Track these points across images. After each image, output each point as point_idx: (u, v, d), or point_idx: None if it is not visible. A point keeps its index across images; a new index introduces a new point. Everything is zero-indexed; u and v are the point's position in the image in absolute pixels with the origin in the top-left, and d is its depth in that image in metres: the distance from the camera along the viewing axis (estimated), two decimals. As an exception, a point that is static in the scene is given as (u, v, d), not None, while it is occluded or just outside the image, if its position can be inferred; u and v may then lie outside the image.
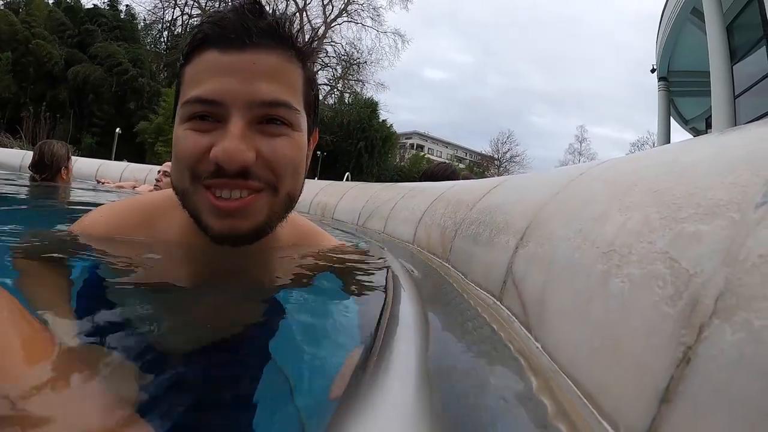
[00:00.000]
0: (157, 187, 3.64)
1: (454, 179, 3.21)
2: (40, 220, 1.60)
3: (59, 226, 0.99)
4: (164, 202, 0.87)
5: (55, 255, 0.81)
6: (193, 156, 0.71)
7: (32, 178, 3.00)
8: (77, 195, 2.93)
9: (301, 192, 0.81)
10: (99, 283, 0.72)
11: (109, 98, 19.03)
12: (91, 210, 0.90)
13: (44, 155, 2.94)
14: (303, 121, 0.78)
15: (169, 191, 0.82)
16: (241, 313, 0.71)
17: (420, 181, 3.33)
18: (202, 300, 0.73)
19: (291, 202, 0.79)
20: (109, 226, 0.87)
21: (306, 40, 0.78)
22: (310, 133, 0.82)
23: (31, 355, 0.39)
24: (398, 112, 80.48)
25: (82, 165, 6.05)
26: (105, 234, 0.86)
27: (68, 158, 3.04)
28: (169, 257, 0.84)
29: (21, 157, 5.67)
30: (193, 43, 0.74)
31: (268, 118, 0.72)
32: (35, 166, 2.96)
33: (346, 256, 1.03)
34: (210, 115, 0.71)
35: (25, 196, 2.67)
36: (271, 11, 0.75)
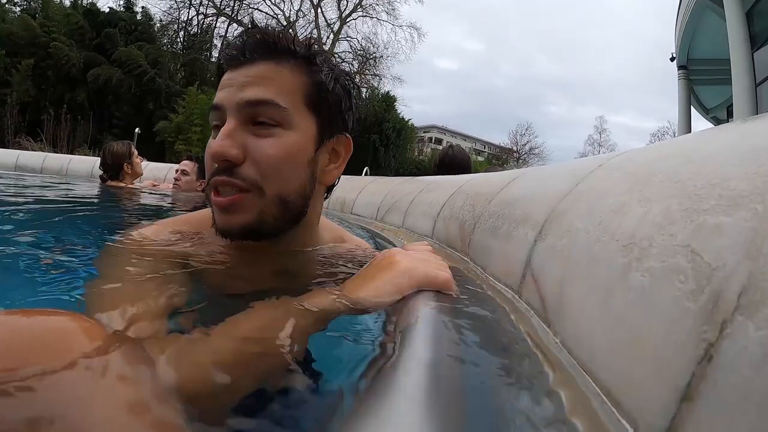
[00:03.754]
0: (176, 186, 3.67)
1: (465, 162, 3.06)
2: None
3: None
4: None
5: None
6: (207, 158, 0.79)
7: (101, 178, 3.59)
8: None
9: (303, 194, 0.82)
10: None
11: (128, 99, 19.20)
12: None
13: (106, 156, 3.54)
14: (299, 121, 0.80)
15: None
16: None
17: (437, 170, 3.11)
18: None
19: (285, 204, 0.80)
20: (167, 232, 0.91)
21: (304, 48, 0.83)
22: (325, 137, 0.84)
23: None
24: (412, 104, 79.93)
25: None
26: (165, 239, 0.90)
27: (130, 155, 3.54)
28: (214, 258, 0.86)
29: (42, 159, 5.74)
30: (219, 73, 0.85)
31: (258, 119, 0.77)
32: (101, 165, 3.59)
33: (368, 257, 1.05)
34: (220, 121, 0.79)
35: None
36: (266, 27, 0.83)
